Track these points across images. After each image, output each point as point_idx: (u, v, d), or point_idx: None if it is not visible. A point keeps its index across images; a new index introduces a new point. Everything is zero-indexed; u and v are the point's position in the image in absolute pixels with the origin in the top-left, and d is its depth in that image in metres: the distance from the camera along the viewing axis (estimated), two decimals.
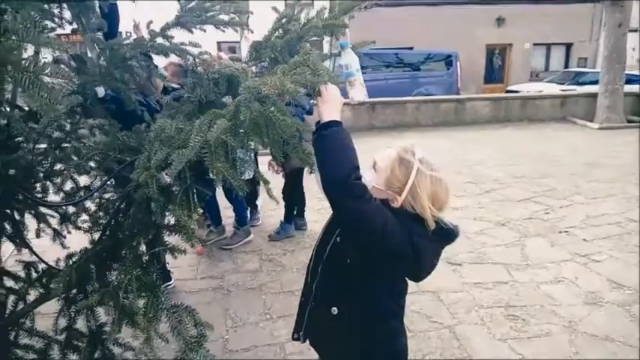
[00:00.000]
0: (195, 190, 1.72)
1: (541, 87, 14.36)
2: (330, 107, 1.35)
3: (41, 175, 2.13)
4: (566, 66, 19.12)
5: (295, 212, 4.59)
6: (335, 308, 1.47)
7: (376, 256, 1.34)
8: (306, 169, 1.55)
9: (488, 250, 4.18)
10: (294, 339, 1.69)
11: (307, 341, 1.68)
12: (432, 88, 13.00)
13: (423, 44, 15.90)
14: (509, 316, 3.13)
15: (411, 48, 16.13)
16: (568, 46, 19.54)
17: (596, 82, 11.50)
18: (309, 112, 3.87)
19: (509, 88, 15.98)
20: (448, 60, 13.47)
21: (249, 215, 4.63)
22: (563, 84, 14.27)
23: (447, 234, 1.37)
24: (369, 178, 1.36)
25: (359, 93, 1.58)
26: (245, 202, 4.53)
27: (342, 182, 1.24)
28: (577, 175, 6.48)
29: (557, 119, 11.29)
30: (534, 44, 19.25)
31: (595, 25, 18.30)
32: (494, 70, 19.79)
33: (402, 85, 12.71)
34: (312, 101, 3.67)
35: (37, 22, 1.04)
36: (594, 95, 11.08)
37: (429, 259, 1.36)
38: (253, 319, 3.13)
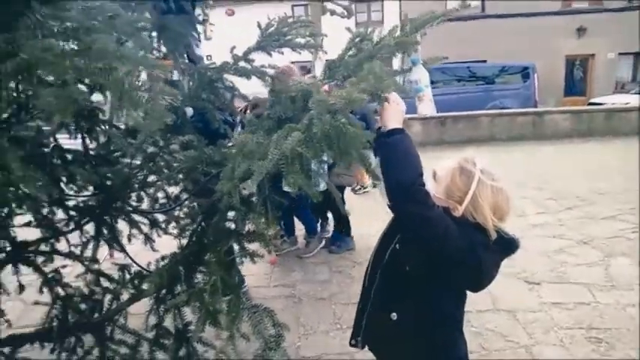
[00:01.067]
0: (271, 201, 1.84)
1: (628, 99, 13.36)
2: (394, 115, 1.40)
3: (136, 185, 2.36)
4: None
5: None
6: (394, 314, 1.50)
7: (437, 263, 1.37)
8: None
9: (569, 269, 3.96)
10: (351, 345, 1.72)
11: (365, 347, 1.69)
12: (508, 101, 12.56)
13: (499, 57, 15.44)
14: (591, 338, 2.96)
15: (485, 61, 15.73)
16: None
17: None
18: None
19: (591, 100, 15.04)
20: (525, 72, 12.97)
21: (319, 227, 4.76)
22: None
23: (507, 244, 1.37)
24: (429, 187, 1.39)
25: (427, 108, 1.63)
26: (315, 213, 4.67)
27: (407, 188, 1.28)
28: None
29: None
30: (619, 54, 18.03)
31: None
32: (575, 82, 18.76)
33: (475, 98, 12.39)
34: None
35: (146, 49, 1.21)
36: None
37: (490, 270, 1.36)
38: (323, 328, 3.21)
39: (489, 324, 3.12)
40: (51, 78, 1.22)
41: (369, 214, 4.94)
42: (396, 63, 1.97)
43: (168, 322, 2.15)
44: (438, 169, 1.45)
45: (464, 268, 1.34)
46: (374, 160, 1.61)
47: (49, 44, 1.07)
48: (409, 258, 1.44)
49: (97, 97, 1.81)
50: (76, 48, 1.20)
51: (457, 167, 1.40)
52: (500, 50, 16.22)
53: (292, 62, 3.89)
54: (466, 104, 11.53)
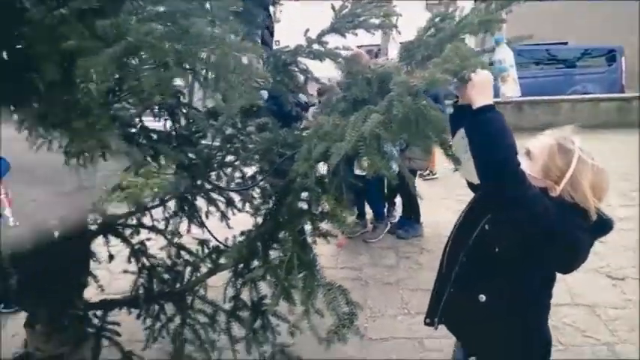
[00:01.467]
0: (346, 183, 1.86)
1: None
2: (483, 91, 1.32)
3: (215, 165, 2.47)
4: None
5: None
6: (483, 295, 1.46)
7: (531, 244, 1.31)
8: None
9: None
10: (426, 324, 1.70)
11: (439, 327, 1.68)
12: (590, 86, 11.67)
13: (582, 39, 14.35)
14: None
15: (566, 43, 14.70)
16: None
17: None
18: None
19: None
20: (610, 55, 11.97)
21: (385, 212, 4.75)
22: None
23: (603, 225, 1.32)
24: (523, 166, 1.33)
25: (511, 89, 1.56)
26: (384, 198, 4.66)
27: (505, 167, 1.24)
28: None
29: None
30: None
31: None
32: None
33: (555, 83, 11.64)
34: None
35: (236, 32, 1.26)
36: None
37: (585, 252, 1.30)
38: (391, 312, 3.21)
39: (567, 318, 2.96)
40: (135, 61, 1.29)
41: (438, 202, 4.86)
42: (471, 42, 1.87)
43: (245, 295, 2.25)
44: (531, 147, 1.39)
45: (560, 249, 1.29)
46: (453, 142, 1.57)
47: (150, 28, 1.13)
48: (500, 239, 1.40)
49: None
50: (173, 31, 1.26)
51: (555, 144, 1.34)
52: (586, 32, 15.06)
53: (359, 46, 3.83)
54: (545, 89, 10.85)
